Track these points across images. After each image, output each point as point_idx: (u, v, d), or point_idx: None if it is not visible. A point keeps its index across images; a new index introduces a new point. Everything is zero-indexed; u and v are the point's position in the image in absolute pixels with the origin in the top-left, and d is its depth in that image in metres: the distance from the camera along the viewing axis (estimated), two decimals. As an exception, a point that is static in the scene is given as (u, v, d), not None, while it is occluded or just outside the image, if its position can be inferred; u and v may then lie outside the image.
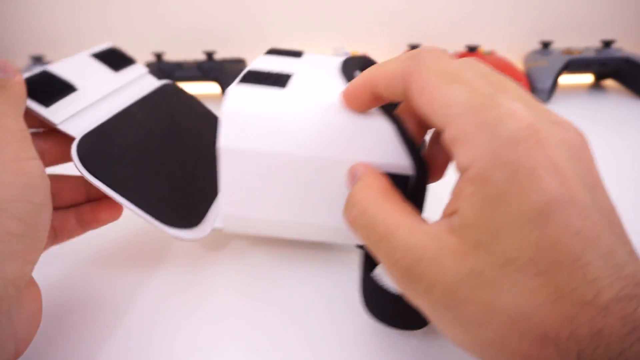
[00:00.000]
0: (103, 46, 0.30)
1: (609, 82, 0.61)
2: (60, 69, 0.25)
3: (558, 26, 0.65)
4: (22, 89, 0.20)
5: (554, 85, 0.53)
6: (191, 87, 0.63)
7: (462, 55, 0.55)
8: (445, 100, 0.15)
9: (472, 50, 0.56)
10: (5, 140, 0.17)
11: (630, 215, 0.30)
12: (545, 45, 0.58)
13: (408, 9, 0.64)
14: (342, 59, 0.27)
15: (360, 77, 0.19)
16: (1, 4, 0.61)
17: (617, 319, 0.12)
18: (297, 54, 0.31)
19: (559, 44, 0.62)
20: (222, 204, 0.22)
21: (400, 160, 0.20)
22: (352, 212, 0.17)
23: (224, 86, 0.53)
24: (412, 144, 0.20)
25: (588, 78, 0.62)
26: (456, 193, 0.15)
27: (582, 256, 0.13)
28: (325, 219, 0.22)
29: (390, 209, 0.16)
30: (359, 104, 0.19)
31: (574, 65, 0.54)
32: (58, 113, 0.22)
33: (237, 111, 0.21)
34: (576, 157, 0.14)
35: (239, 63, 0.59)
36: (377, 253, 0.16)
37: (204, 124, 0.33)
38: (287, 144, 0.21)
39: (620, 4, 0.64)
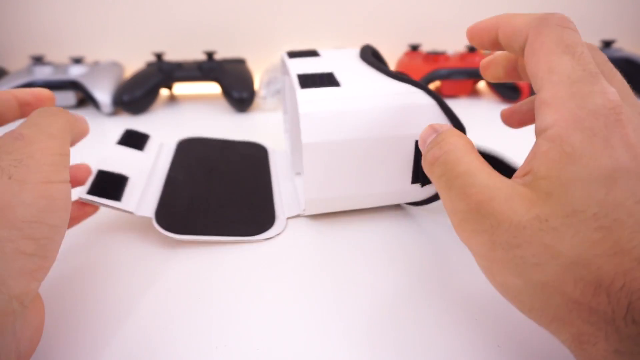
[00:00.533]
0: (121, 133, 0.34)
1: (609, 82, 0.61)
2: (107, 165, 0.28)
3: (558, 26, 0.65)
4: (80, 122, 0.22)
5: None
6: (191, 87, 0.63)
7: (462, 56, 0.56)
8: (551, 66, 0.16)
9: (472, 50, 0.56)
10: (42, 161, 0.18)
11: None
12: (545, 45, 0.58)
13: (408, 9, 0.64)
14: (355, 49, 0.34)
15: (489, 19, 0.20)
16: (1, 4, 0.61)
17: None
18: (314, 53, 0.34)
19: (559, 44, 0.62)
20: (306, 191, 0.27)
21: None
22: (437, 152, 0.18)
23: (224, 86, 0.53)
24: (452, 113, 0.26)
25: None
26: (531, 154, 0.16)
27: None
28: (389, 186, 0.28)
29: (474, 158, 0.18)
30: (478, 42, 0.21)
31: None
32: (130, 202, 0.27)
33: (311, 112, 0.25)
34: None
35: (239, 63, 0.59)
36: (449, 188, 0.17)
37: (225, 151, 0.37)
38: (358, 131, 0.26)
39: (620, 4, 0.64)
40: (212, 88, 0.56)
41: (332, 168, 0.26)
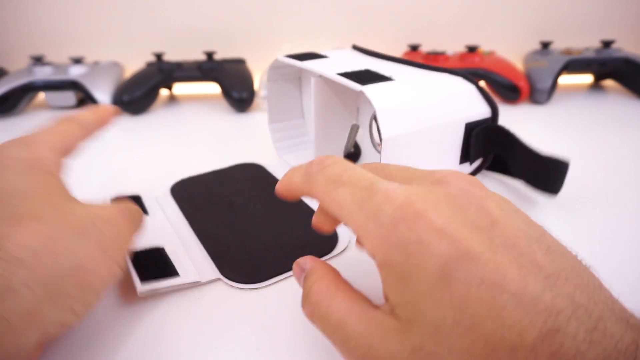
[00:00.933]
0: (127, 194, 0.31)
1: (608, 83, 0.61)
2: (145, 244, 0.25)
3: (558, 26, 0.65)
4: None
5: (554, 86, 0.53)
6: (191, 87, 0.63)
7: (462, 56, 0.56)
8: (337, 204, 0.17)
9: (472, 50, 0.56)
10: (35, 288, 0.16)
11: (630, 215, 0.30)
12: (545, 45, 0.58)
13: (408, 9, 0.64)
14: (348, 49, 0.37)
15: (283, 180, 0.21)
16: (1, 4, 0.61)
17: (547, 358, 0.12)
18: (317, 55, 0.34)
19: (558, 44, 0.63)
20: None
21: (483, 108, 0.30)
22: (309, 307, 0.18)
23: (224, 86, 0.53)
24: (487, 95, 0.30)
25: (588, 78, 0.62)
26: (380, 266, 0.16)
27: (494, 303, 0.13)
28: (450, 168, 0.29)
29: (341, 300, 0.17)
30: (290, 196, 0.21)
31: (574, 65, 0.54)
32: (188, 273, 0.24)
33: (386, 107, 0.26)
34: (462, 206, 0.15)
35: (239, 63, 0.59)
36: (334, 344, 0.17)
37: (225, 181, 0.35)
38: (422, 121, 0.27)
39: (620, 4, 0.64)
40: (212, 88, 0.56)
41: (402, 160, 0.27)
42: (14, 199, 0.18)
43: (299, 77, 0.39)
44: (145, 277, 0.22)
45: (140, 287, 0.21)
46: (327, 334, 0.17)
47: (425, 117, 0.27)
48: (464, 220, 0.15)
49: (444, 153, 0.29)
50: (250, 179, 0.34)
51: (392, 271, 0.15)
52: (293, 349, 0.20)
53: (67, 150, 0.23)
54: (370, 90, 0.26)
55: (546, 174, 0.29)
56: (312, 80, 0.31)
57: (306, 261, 0.19)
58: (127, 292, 0.23)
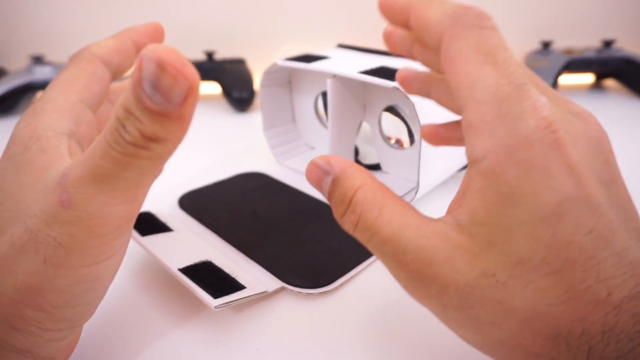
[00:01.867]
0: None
1: (609, 82, 0.61)
2: (179, 261, 0.24)
3: (558, 26, 0.65)
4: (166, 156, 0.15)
5: (555, 86, 0.53)
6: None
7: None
8: (473, 81, 0.14)
9: (472, 50, 0.56)
10: (89, 243, 0.15)
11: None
12: (546, 45, 0.58)
13: (408, 8, 0.64)
14: (339, 48, 0.38)
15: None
16: (1, 4, 0.61)
17: (629, 317, 0.12)
18: (320, 56, 0.35)
19: (559, 44, 0.62)
20: (422, 174, 0.28)
21: None
22: (352, 218, 0.16)
23: (224, 86, 0.53)
24: None
25: (588, 78, 0.62)
26: (465, 186, 0.15)
27: (595, 255, 0.13)
28: (456, 158, 0.32)
29: (392, 209, 0.15)
30: (390, 18, 0.17)
31: (575, 65, 0.54)
32: (251, 283, 0.23)
33: (420, 100, 0.26)
34: (595, 151, 0.14)
35: (239, 63, 0.59)
36: (382, 255, 0.15)
37: (233, 188, 0.34)
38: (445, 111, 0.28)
39: (620, 4, 0.64)
40: (212, 88, 0.56)
41: (433, 149, 0.28)
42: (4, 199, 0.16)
43: (289, 81, 0.39)
44: (212, 291, 0.21)
45: (214, 301, 0.20)
46: (376, 248, 0.15)
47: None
48: (592, 166, 0.14)
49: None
50: (260, 188, 0.34)
51: (498, 186, 0.13)
52: (380, 344, 0.20)
53: (94, 97, 0.19)
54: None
55: None
56: (328, 80, 0.31)
57: (329, 161, 0.16)
58: (193, 309, 0.22)
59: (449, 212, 0.15)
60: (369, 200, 0.15)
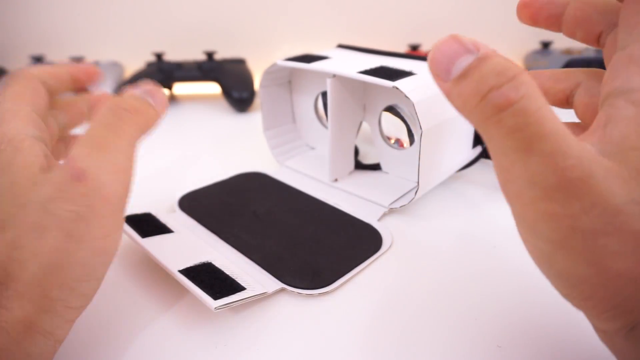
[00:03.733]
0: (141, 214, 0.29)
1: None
2: (178, 263, 0.24)
3: (558, 26, 0.65)
4: (157, 109, 0.20)
5: (554, 86, 0.53)
6: (191, 87, 0.63)
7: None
8: None
9: (472, 50, 0.56)
10: (103, 212, 0.16)
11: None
12: (545, 45, 0.58)
13: (408, 9, 0.64)
14: (336, 48, 0.38)
15: None
16: (1, 4, 0.61)
17: None
18: (321, 56, 0.34)
19: (559, 44, 0.62)
20: (422, 174, 0.28)
21: None
22: (512, 93, 0.13)
23: (224, 86, 0.53)
24: None
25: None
26: (604, 117, 0.14)
27: None
28: (458, 155, 0.32)
29: (554, 113, 0.13)
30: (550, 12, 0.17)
31: (574, 65, 0.54)
32: (251, 284, 0.23)
33: (421, 100, 0.27)
34: None
35: (239, 63, 0.59)
36: (528, 151, 0.13)
37: (233, 188, 0.34)
38: (446, 111, 0.28)
39: (620, 4, 0.64)
40: (212, 88, 0.56)
41: (433, 149, 0.29)
42: None
43: (289, 81, 0.39)
44: (212, 292, 0.21)
45: (215, 303, 0.20)
46: (523, 136, 0.13)
47: (449, 106, 0.29)
48: None
49: (463, 138, 0.32)
50: (260, 188, 0.34)
51: None
52: (380, 344, 0.20)
53: (53, 92, 0.22)
54: (403, 85, 0.27)
55: None
56: (328, 80, 0.31)
57: (476, 44, 0.15)
58: (192, 311, 0.22)
59: (585, 137, 0.14)
60: (535, 91, 0.13)
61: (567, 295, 0.15)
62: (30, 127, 0.19)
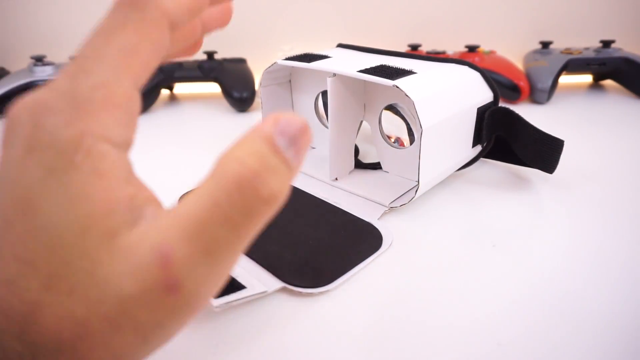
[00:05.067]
0: None
1: (608, 83, 0.61)
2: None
3: (558, 26, 0.65)
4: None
5: (554, 86, 0.53)
6: (191, 87, 0.63)
7: (463, 55, 0.56)
8: None
9: (472, 50, 0.56)
10: (189, 320, 0.13)
11: (630, 214, 0.30)
12: (545, 45, 0.58)
13: (408, 9, 0.64)
14: (336, 48, 0.39)
15: None
16: (1, 4, 0.62)
17: None
18: (322, 56, 0.35)
19: (558, 44, 0.63)
20: (422, 173, 0.28)
21: (489, 93, 0.33)
22: None
23: (224, 86, 0.53)
24: (490, 80, 0.33)
25: (587, 78, 0.62)
26: None
27: None
28: (459, 154, 0.32)
29: None
30: None
31: (574, 65, 0.54)
32: (252, 283, 0.23)
33: (421, 98, 0.27)
34: None
35: (239, 63, 0.59)
36: None
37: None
38: (447, 109, 0.29)
39: (620, 4, 0.64)
40: (212, 88, 0.57)
41: (436, 145, 0.29)
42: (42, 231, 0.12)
43: (289, 81, 0.39)
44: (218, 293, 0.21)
45: (214, 301, 0.20)
46: None
47: (449, 105, 0.29)
48: None
49: (463, 137, 0.32)
50: None
51: None
52: (380, 344, 0.20)
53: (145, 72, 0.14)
54: (403, 84, 0.27)
55: (548, 150, 0.32)
56: (328, 80, 0.31)
57: None
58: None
59: None
60: None
61: None
62: (122, 126, 0.13)
